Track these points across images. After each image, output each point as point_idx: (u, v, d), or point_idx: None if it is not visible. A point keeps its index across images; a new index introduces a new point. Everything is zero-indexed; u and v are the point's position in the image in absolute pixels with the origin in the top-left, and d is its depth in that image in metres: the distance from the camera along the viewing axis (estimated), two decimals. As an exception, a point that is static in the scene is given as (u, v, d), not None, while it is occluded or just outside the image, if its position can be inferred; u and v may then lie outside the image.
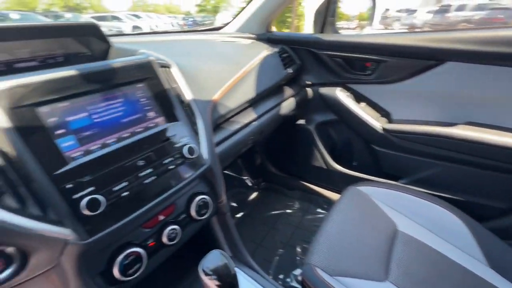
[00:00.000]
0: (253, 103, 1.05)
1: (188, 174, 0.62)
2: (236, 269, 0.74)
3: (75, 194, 0.45)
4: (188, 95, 0.70)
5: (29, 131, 0.43)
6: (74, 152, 0.47)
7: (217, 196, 0.73)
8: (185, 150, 0.60)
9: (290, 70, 1.24)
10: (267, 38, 1.32)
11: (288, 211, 1.60)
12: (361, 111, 1.25)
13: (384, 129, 1.21)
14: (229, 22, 1.41)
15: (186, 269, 0.70)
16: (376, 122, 1.23)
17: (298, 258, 1.29)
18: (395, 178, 1.29)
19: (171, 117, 0.62)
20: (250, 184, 1.81)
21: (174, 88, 0.66)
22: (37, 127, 0.43)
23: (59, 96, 0.47)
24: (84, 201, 0.44)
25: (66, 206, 0.44)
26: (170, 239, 0.60)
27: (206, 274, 0.49)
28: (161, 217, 0.60)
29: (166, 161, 0.58)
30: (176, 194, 0.63)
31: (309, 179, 1.63)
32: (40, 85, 0.45)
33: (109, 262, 0.51)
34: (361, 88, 1.26)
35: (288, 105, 1.24)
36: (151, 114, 0.59)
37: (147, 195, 0.54)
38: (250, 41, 1.28)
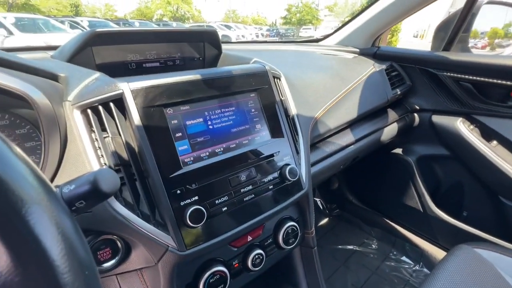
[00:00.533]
0: (352, 124, 0.93)
1: (285, 197, 0.55)
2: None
3: (182, 201, 0.43)
4: (293, 110, 0.64)
5: (155, 130, 0.43)
6: (187, 157, 0.46)
7: (307, 225, 0.65)
8: (287, 171, 0.54)
9: (398, 91, 1.07)
10: (373, 53, 1.18)
11: (364, 249, 1.39)
12: (491, 151, 0.98)
13: (524, 180, 0.92)
14: (330, 34, 1.33)
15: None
16: (511, 167, 0.94)
17: (373, 311, 1.09)
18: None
19: (277, 132, 0.57)
20: (321, 207, 1.66)
21: (283, 100, 0.62)
22: (162, 128, 0.44)
23: (183, 99, 0.47)
24: (189, 211, 0.42)
25: (172, 212, 0.42)
26: (254, 265, 0.54)
27: None
28: (250, 238, 0.56)
29: (267, 179, 0.53)
30: (269, 217, 0.57)
31: (395, 218, 1.39)
32: (170, 87, 0.46)
33: (196, 276, 0.49)
34: (495, 123, 0.99)
35: (389, 130, 1.07)
36: (258, 126, 0.55)
37: (245, 214, 0.50)
38: (353, 55, 1.17)
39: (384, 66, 1.10)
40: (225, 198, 0.47)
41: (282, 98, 0.62)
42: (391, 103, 1.11)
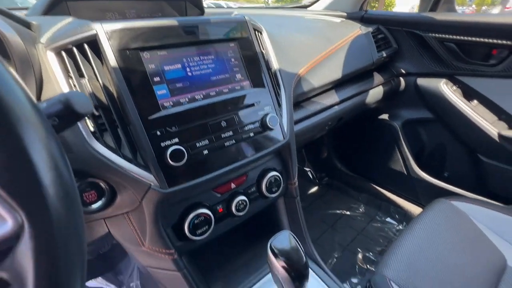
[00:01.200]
0: (337, 85, 0.94)
1: (266, 145, 0.57)
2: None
3: (162, 142, 0.44)
4: (275, 64, 0.65)
5: (132, 73, 0.43)
6: (166, 101, 0.47)
7: (289, 176, 0.67)
8: (267, 119, 0.56)
9: (383, 54, 1.08)
10: (360, 17, 1.16)
11: (351, 213, 1.45)
12: (472, 110, 1.01)
13: (502, 137, 0.95)
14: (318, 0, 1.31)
15: (249, 244, 0.68)
16: (491, 126, 0.98)
17: (358, 266, 1.16)
18: (506, 202, 1.01)
19: (258, 83, 0.58)
20: (311, 177, 1.71)
21: (264, 53, 0.62)
22: (139, 71, 0.44)
23: (160, 44, 0.47)
24: (169, 151, 0.44)
25: (153, 153, 0.44)
26: (238, 209, 0.57)
27: (275, 256, 0.44)
28: (233, 185, 0.58)
29: (247, 127, 0.55)
30: (250, 164, 0.59)
31: (381, 182, 1.44)
32: (146, 31, 0.45)
33: (181, 217, 0.51)
34: (476, 82, 1.01)
35: (375, 93, 1.08)
36: (239, 76, 0.56)
37: (226, 158, 0.51)
38: (340, 19, 1.15)
39: (370, 29, 1.09)
40: (206, 142, 0.49)
41: (263, 51, 0.62)
42: (377, 67, 1.11)
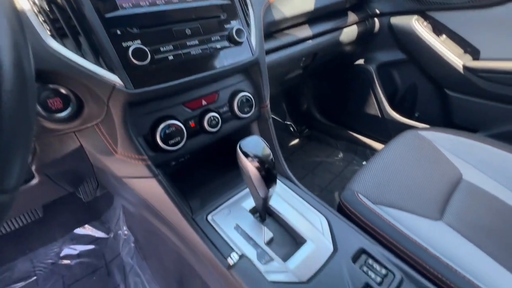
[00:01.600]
0: (310, 20, 0.93)
1: (234, 60, 0.57)
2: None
3: (123, 42, 0.44)
4: (242, -17, 0.63)
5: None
6: (124, 2, 0.45)
7: (261, 99, 0.68)
8: (234, 32, 0.55)
9: (358, -9, 1.07)
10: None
11: (330, 160, 1.52)
12: (440, 45, 1.04)
13: (466, 68, 1.00)
14: None
15: (226, 168, 0.70)
16: (457, 58, 1.02)
17: (335, 202, 1.24)
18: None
19: (224, -5, 0.57)
20: (292, 130, 1.75)
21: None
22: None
23: None
24: (131, 49, 0.43)
25: (115, 52, 0.43)
26: (210, 125, 0.58)
27: (246, 156, 0.47)
28: (204, 102, 0.59)
29: (214, 39, 0.54)
30: (220, 81, 0.60)
31: (358, 129, 1.50)
32: None
33: (152, 128, 0.52)
34: (445, 17, 1.03)
35: (349, 32, 1.09)
36: (202, -14, 0.55)
37: (193, 67, 0.51)
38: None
39: (345, -35, 1.06)
40: (170, 47, 0.49)
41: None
42: (352, 6, 1.11)
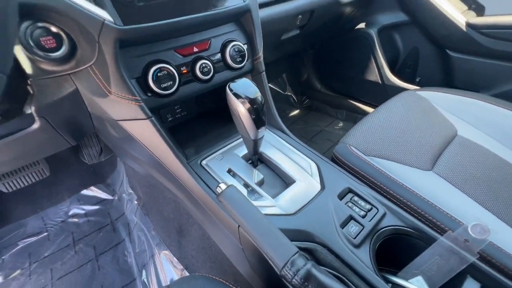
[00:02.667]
0: (307, -25, 0.91)
1: (226, 3, 0.57)
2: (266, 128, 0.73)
3: (111, -23, 0.44)
4: None
5: None
6: None
7: (254, 50, 0.69)
8: (223, -26, 0.55)
9: None
10: None
11: (330, 129, 1.52)
12: (444, 2, 1.00)
13: (469, 25, 0.97)
14: None
15: (221, 123, 0.72)
16: (460, 15, 0.99)
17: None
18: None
19: None
20: (292, 101, 1.74)
21: None
22: None
23: None
24: None
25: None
26: (202, 73, 0.59)
27: (237, 96, 0.48)
28: (195, 49, 0.59)
29: (203, -19, 0.54)
30: (211, 28, 0.60)
31: (358, 97, 1.49)
32: None
33: (144, 71, 0.53)
34: (450, -29, 0.99)
35: (349, -9, 1.05)
36: None
37: (183, 8, 0.52)
38: None
39: None
40: (159, -14, 0.49)
41: None
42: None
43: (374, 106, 1.44)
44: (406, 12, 1.14)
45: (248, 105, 0.48)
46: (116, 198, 1.15)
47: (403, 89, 1.26)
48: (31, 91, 0.52)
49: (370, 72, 1.34)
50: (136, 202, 1.03)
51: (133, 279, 0.89)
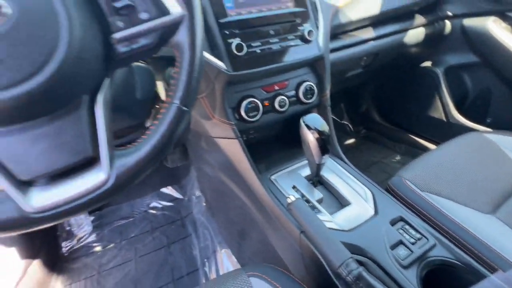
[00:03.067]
0: (375, 22, 1.02)
1: (304, 54, 0.72)
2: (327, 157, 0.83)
3: (229, 39, 0.63)
4: (316, -6, 0.78)
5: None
6: (231, 11, 0.65)
7: (323, 89, 0.82)
8: (306, 33, 0.70)
9: (428, -6, 1.10)
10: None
11: (387, 161, 1.53)
12: (519, 45, 0.99)
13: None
14: None
15: (290, 146, 0.85)
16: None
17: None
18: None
19: (300, 4, 0.72)
20: (349, 129, 1.80)
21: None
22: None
23: (228, -31, 0.64)
24: (234, 43, 0.62)
25: (223, 46, 0.63)
26: (280, 106, 0.74)
27: (308, 128, 0.61)
28: (276, 87, 0.75)
29: (290, 38, 0.70)
30: (290, 71, 0.76)
31: (419, 132, 1.47)
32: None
33: (238, 103, 0.70)
34: (529, 18, 0.98)
35: (415, 34, 1.12)
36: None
37: (273, 58, 0.68)
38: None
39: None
40: (259, 43, 0.66)
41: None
42: (421, 8, 1.14)
43: (436, 143, 1.40)
44: (477, 54, 1.15)
45: (316, 135, 0.61)
46: (186, 198, 1.37)
47: (470, 129, 1.23)
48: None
49: (434, 108, 1.34)
50: (204, 204, 1.22)
51: (196, 269, 1.05)
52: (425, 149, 1.44)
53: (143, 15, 0.35)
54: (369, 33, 1.00)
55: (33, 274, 0.98)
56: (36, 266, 1.01)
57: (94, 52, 0.33)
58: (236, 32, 0.64)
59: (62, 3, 0.30)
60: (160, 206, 1.35)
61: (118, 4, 0.34)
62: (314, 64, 0.79)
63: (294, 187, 0.72)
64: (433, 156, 0.85)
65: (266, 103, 0.74)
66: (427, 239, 0.57)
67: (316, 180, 0.73)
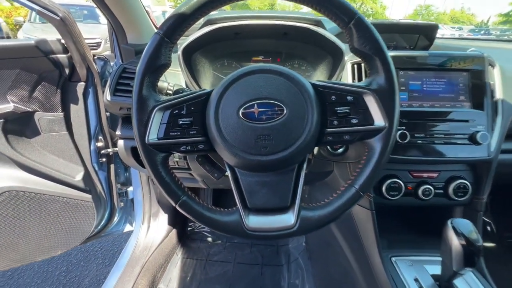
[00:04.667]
0: None
1: (470, 154, 0.70)
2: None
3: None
4: (499, 94, 0.75)
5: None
6: (403, 103, 0.73)
7: (480, 191, 0.75)
8: (478, 135, 0.69)
9: None
10: None
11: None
12: None
13: None
14: None
15: (424, 227, 0.83)
16: None
17: None
18: None
19: (477, 106, 0.72)
20: (489, 230, 1.47)
21: (491, 84, 0.74)
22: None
23: (411, 66, 0.73)
24: (399, 132, 0.69)
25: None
26: (423, 194, 0.75)
27: (455, 231, 0.60)
28: (425, 175, 0.76)
29: (457, 136, 0.71)
30: (444, 165, 0.75)
31: None
32: (405, 59, 0.73)
33: (381, 180, 0.76)
34: None
35: None
36: (462, 97, 0.73)
37: (430, 152, 0.71)
38: None
39: None
40: (422, 135, 0.71)
41: (491, 82, 0.74)
42: None
43: None
44: None
45: (463, 242, 0.58)
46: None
47: None
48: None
49: None
50: (304, 244, 1.30)
51: (281, 300, 1.13)
52: None
53: (354, 120, 0.48)
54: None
55: (171, 237, 1.33)
56: (173, 233, 1.36)
57: (313, 139, 0.48)
58: (403, 121, 0.71)
59: (311, 112, 0.46)
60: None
61: (339, 110, 0.49)
62: (476, 164, 0.75)
63: (416, 280, 0.70)
64: None
65: (410, 187, 0.77)
66: None
67: (445, 286, 0.68)
